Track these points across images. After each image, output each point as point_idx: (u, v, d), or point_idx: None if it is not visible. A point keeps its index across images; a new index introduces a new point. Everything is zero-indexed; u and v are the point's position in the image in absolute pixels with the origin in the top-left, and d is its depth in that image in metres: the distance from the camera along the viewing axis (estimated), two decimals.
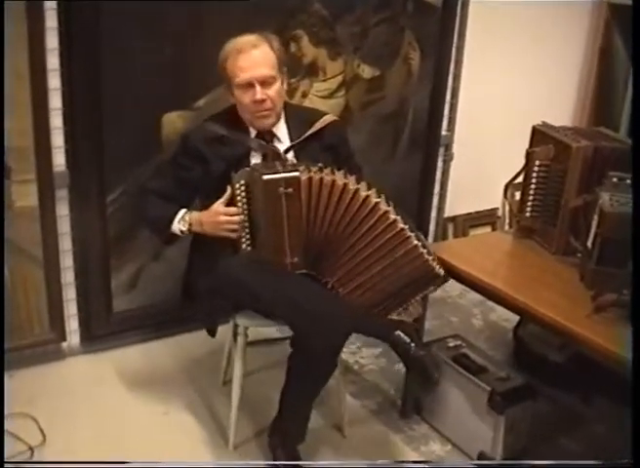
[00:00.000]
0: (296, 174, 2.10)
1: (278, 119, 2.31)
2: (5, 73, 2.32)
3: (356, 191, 2.11)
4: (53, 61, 2.47)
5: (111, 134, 2.64)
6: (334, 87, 3.09)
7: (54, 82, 2.50)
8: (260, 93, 2.19)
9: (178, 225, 2.27)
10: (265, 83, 2.20)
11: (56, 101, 2.53)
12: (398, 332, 2.14)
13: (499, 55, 3.55)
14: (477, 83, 3.49)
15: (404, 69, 3.28)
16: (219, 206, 2.18)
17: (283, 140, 2.33)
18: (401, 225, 2.12)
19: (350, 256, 2.16)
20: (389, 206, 2.13)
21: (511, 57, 3.62)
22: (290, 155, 2.31)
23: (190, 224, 2.26)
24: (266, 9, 2.78)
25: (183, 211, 2.28)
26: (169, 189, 2.31)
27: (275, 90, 2.23)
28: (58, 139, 2.58)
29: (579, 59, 3.99)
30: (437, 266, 2.16)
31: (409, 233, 2.12)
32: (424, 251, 2.14)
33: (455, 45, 3.37)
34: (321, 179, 2.12)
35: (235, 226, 2.16)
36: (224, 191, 2.18)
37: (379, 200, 2.12)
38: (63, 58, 2.49)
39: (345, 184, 2.11)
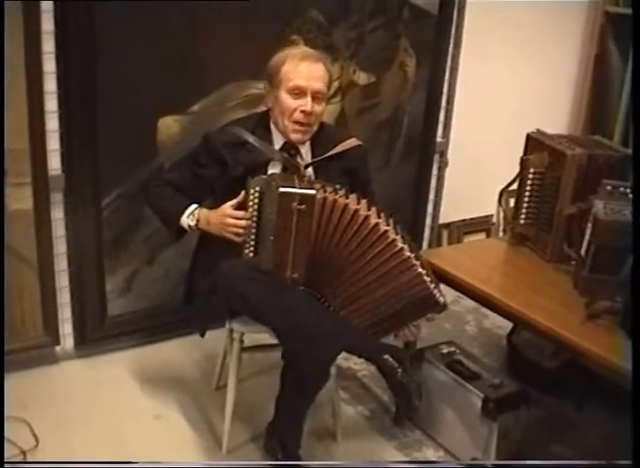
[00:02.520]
0: (312, 191, 2.10)
1: (309, 137, 2.32)
2: (5, 73, 2.32)
3: (366, 218, 2.11)
4: (49, 65, 2.47)
5: (107, 137, 2.63)
6: (329, 93, 3.09)
7: (49, 85, 2.49)
8: (310, 104, 2.21)
9: (187, 219, 2.27)
10: (316, 98, 2.23)
11: (51, 105, 2.52)
12: (387, 356, 2.14)
13: (494, 62, 3.56)
14: (472, 90, 3.50)
15: (399, 76, 3.29)
16: (227, 207, 2.18)
17: (305, 156, 2.33)
18: (407, 253, 2.12)
19: (354, 281, 2.16)
20: (397, 234, 2.13)
21: (506, 64, 3.63)
22: (309, 171, 2.31)
23: (198, 220, 2.26)
24: (263, 14, 2.79)
25: (194, 206, 2.28)
26: (184, 183, 2.31)
27: (320, 109, 2.26)
28: (53, 143, 2.58)
29: (573, 67, 4.01)
30: (438, 293, 2.16)
31: (414, 261, 2.12)
32: (428, 279, 2.14)
33: (450, 52, 3.38)
34: (335, 201, 2.12)
35: (241, 230, 2.15)
36: (237, 194, 2.18)
37: (388, 228, 2.12)
38: (59, 61, 2.48)
39: (357, 210, 2.11)
